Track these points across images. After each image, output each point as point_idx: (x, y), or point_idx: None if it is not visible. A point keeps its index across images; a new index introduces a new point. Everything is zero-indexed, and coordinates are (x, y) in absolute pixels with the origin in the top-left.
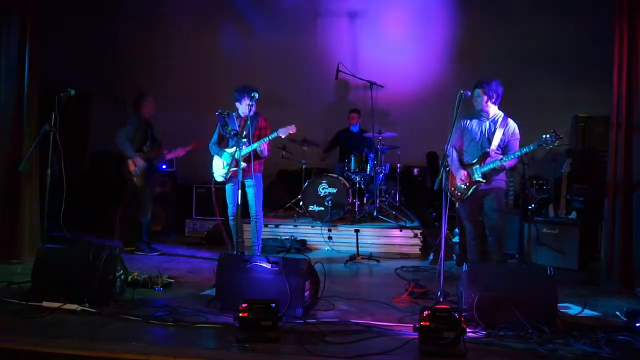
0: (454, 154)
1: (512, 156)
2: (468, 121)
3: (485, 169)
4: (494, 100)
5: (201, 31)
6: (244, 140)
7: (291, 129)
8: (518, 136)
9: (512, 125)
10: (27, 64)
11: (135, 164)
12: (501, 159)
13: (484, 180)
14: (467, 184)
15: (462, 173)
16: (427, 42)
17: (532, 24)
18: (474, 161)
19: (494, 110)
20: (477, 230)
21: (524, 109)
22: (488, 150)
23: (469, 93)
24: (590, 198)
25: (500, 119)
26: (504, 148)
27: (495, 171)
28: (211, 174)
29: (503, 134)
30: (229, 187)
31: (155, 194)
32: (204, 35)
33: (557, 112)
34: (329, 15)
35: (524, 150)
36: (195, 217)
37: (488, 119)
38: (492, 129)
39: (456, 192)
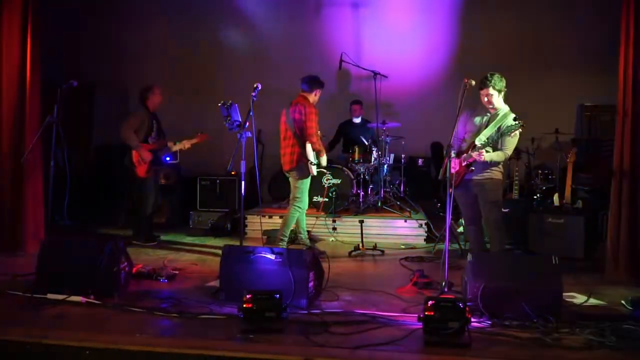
0: (456, 143)
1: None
2: (472, 113)
3: (469, 158)
4: (498, 95)
5: (203, 22)
6: (248, 131)
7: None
8: (512, 132)
9: (508, 122)
10: (28, 55)
11: (140, 155)
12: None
13: (472, 168)
14: (457, 172)
15: (454, 161)
16: (431, 32)
17: (537, 13)
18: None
19: (499, 105)
20: (473, 219)
21: (530, 99)
22: (476, 141)
23: (474, 82)
24: (595, 187)
25: (499, 115)
26: (495, 142)
27: (483, 163)
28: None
29: (496, 129)
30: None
31: (161, 185)
32: (205, 26)
33: (563, 102)
34: (332, 5)
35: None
36: (200, 209)
37: (491, 113)
38: (488, 123)
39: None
